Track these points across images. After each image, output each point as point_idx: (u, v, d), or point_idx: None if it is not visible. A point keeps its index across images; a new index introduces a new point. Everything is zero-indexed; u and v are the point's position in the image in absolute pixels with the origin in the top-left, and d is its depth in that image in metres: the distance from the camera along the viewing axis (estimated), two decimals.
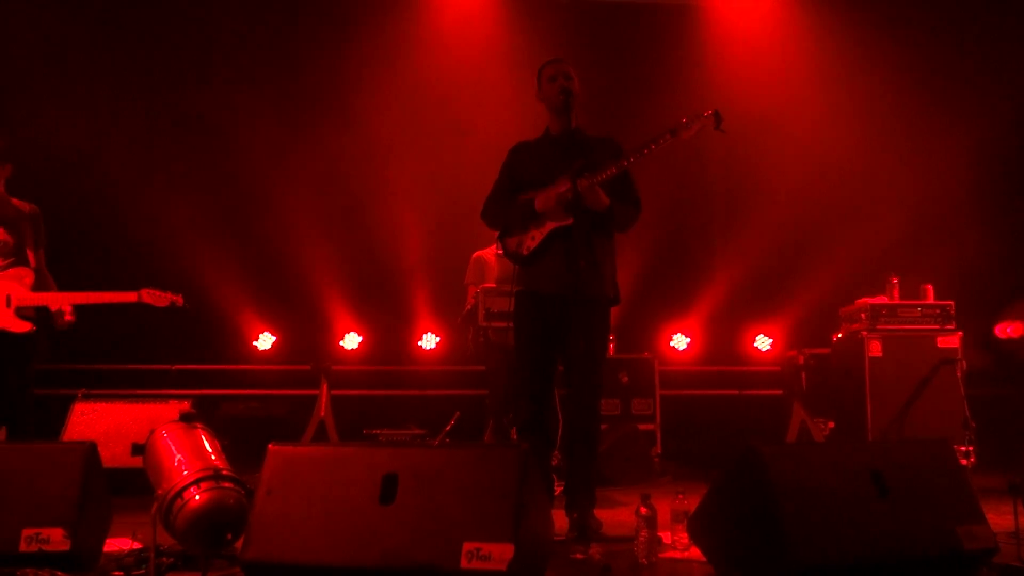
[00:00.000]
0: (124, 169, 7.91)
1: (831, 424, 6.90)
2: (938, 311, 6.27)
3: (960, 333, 6.18)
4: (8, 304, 4.75)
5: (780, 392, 7.84)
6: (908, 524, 2.76)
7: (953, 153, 8.05)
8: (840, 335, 6.71)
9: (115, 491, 3.40)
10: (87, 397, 5.85)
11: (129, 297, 5.01)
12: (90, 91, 7.98)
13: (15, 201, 4.93)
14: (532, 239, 4.03)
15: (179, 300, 5.12)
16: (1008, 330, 6.96)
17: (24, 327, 4.76)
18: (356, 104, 8.36)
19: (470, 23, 8.62)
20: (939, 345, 6.17)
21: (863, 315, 6.31)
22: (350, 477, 2.80)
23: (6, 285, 4.77)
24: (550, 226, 3.98)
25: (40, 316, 4.87)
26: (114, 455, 5.48)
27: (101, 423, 5.72)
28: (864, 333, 6.22)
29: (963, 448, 5.80)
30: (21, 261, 4.87)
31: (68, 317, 4.87)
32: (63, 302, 4.85)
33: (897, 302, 6.34)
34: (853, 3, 8.35)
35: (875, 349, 6.17)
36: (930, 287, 6.39)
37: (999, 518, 3.22)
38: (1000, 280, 7.75)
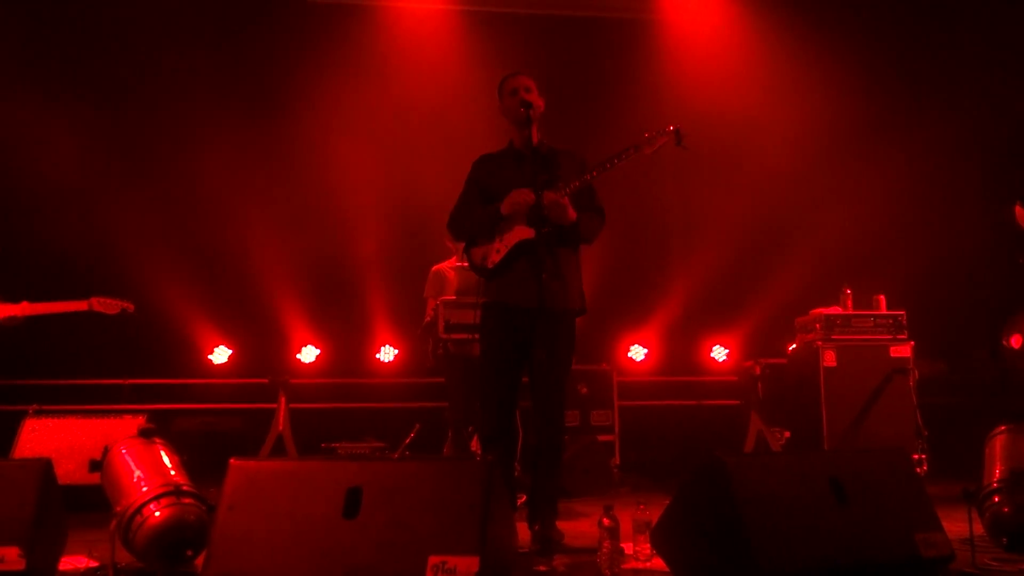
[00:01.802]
0: (72, 181, 7.75)
1: (787, 433, 6.96)
2: (890, 321, 6.38)
3: (912, 343, 6.30)
4: None
5: (737, 402, 7.91)
6: (868, 531, 2.81)
7: (903, 164, 8.21)
8: (795, 345, 6.79)
9: (68, 508, 3.33)
10: (38, 413, 5.71)
11: (80, 306, 4.96)
12: (35, 98, 7.81)
13: None
14: (497, 252, 4.01)
15: (130, 307, 5.07)
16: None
17: None
18: (312, 116, 8.31)
19: (429, 35, 8.61)
20: (892, 355, 6.28)
21: (817, 325, 6.39)
22: (314, 492, 2.78)
23: None
24: (515, 239, 3.98)
25: None
26: (67, 472, 5.33)
27: (53, 439, 5.57)
28: (819, 343, 6.30)
29: (916, 456, 5.92)
30: None
31: (19, 320, 4.79)
32: (14, 313, 4.77)
33: (850, 312, 6.44)
34: (804, 17, 8.49)
35: (829, 359, 6.26)
36: (882, 297, 6.50)
37: (953, 525, 3.28)
38: (950, 289, 7.91)
